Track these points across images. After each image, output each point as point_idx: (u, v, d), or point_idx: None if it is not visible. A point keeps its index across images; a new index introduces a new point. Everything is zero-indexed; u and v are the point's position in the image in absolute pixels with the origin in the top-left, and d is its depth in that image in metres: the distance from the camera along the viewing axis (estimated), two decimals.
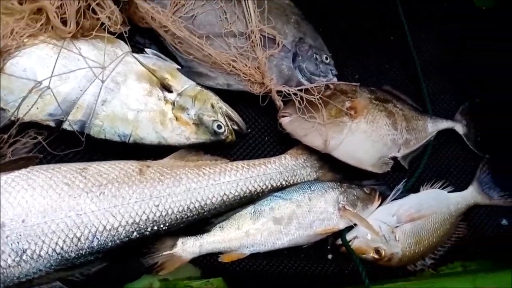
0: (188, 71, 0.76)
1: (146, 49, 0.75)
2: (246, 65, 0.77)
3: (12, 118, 0.61)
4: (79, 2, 0.64)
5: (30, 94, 0.61)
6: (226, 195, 0.69)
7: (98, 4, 0.65)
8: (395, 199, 0.79)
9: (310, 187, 0.75)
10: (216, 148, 0.77)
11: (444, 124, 0.89)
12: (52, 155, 0.66)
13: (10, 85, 0.61)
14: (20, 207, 0.55)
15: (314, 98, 0.76)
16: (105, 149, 0.69)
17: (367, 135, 0.77)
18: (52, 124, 0.63)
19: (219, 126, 0.73)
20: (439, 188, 0.85)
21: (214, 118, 0.73)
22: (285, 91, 0.77)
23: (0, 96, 0.61)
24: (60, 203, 0.56)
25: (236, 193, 0.70)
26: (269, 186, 0.72)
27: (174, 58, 0.77)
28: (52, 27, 0.65)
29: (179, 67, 0.75)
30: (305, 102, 0.76)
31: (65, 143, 0.67)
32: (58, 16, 0.64)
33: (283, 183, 0.74)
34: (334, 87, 0.81)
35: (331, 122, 0.76)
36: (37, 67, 0.63)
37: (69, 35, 0.65)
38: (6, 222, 0.53)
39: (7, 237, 0.53)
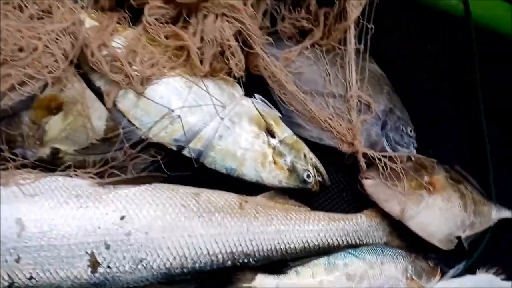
0: (288, 121, 0.84)
1: (255, 95, 0.84)
2: (341, 125, 0.85)
3: (143, 137, 0.70)
4: (216, 48, 0.73)
5: (163, 119, 0.70)
6: (308, 242, 0.75)
7: (231, 52, 0.74)
8: (453, 277, 0.85)
9: (382, 251, 0.80)
10: (299, 195, 0.84)
11: (507, 214, 0.95)
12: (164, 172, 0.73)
13: (148, 108, 0.70)
14: (145, 220, 0.62)
15: (397, 167, 0.83)
16: (210, 176, 0.75)
17: (442, 212, 0.83)
18: (174, 148, 0.71)
19: (308, 176, 0.80)
20: (493, 274, 0.90)
21: (305, 168, 0.79)
22: (371, 155, 0.84)
23: (137, 116, 0.69)
24: (177, 222, 0.64)
25: (316, 243, 0.76)
26: (345, 242, 0.78)
27: (276, 106, 0.85)
28: (189, 64, 0.74)
29: (281, 115, 0.84)
30: (388, 169, 0.83)
31: (178, 166, 0.74)
32: (197, 56, 0.73)
33: (357, 241, 0.80)
34: (415, 160, 0.88)
35: (410, 193, 0.83)
36: (172, 97, 0.71)
37: (202, 73, 0.74)
38: (132, 231, 0.61)
39: (130, 245, 0.60)
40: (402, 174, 0.83)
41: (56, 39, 0.61)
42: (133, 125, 0.70)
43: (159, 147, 0.73)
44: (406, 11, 0.93)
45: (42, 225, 0.56)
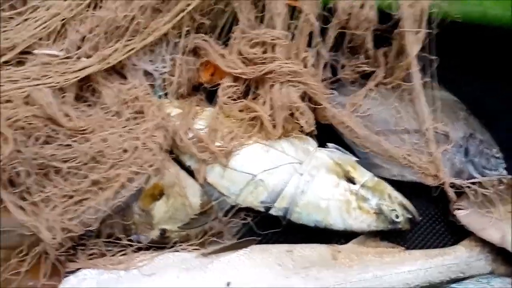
0: (365, 163, 0.86)
1: (328, 144, 0.88)
2: (421, 159, 0.85)
3: (233, 203, 0.77)
4: (286, 111, 0.80)
5: (248, 185, 0.77)
6: (408, 284, 0.75)
7: (300, 112, 0.80)
8: None
9: (488, 281, 0.77)
10: (391, 234, 0.85)
11: None
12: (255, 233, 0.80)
13: (233, 178, 0.77)
14: (248, 284, 0.67)
15: (489, 192, 0.80)
16: (299, 229, 0.80)
17: None
18: (262, 209, 0.77)
19: (396, 216, 0.80)
20: None
21: (392, 208, 0.80)
22: (459, 184, 0.83)
23: (226, 186, 0.77)
24: (277, 282, 0.68)
25: (417, 283, 0.75)
26: (447, 278, 0.77)
27: (351, 151, 0.88)
28: (263, 131, 0.81)
29: (357, 159, 0.86)
30: (480, 196, 0.81)
31: (267, 224, 0.80)
32: (270, 123, 0.79)
33: (460, 275, 0.78)
34: (508, 182, 0.84)
35: (508, 217, 0.79)
36: (252, 163, 0.78)
37: (276, 137, 0.80)
38: None
39: None
40: (496, 198, 0.81)
41: (151, 135, 0.71)
42: (223, 195, 0.78)
43: (248, 210, 0.80)
44: (468, 34, 0.92)
45: None
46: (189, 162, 0.79)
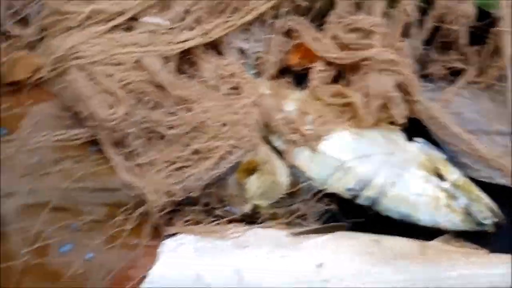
0: (453, 162, 0.85)
1: (416, 139, 0.86)
2: None
3: (319, 188, 0.76)
4: (380, 100, 0.79)
5: (336, 171, 0.76)
6: (493, 286, 0.73)
7: (394, 103, 0.79)
8: None
9: None
10: (473, 236, 0.82)
11: None
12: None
13: (322, 163, 0.76)
14: (338, 268, 0.67)
15: None
16: (381, 222, 0.78)
17: None
18: (348, 197, 0.76)
19: (484, 218, 0.78)
20: None
21: (480, 210, 0.78)
22: None
23: (313, 171, 0.76)
24: (367, 270, 0.67)
25: (502, 286, 0.73)
26: None
27: (438, 147, 0.86)
28: (354, 118, 0.80)
29: (446, 156, 0.84)
30: None
31: (350, 213, 0.78)
32: (363, 110, 0.79)
33: None
34: None
35: None
36: (342, 150, 0.77)
37: (368, 125, 0.79)
38: (329, 278, 0.66)
39: None
40: None
41: (248, 111, 0.72)
42: (310, 178, 0.78)
43: (332, 196, 0.79)
44: None
45: (256, 274, 0.64)
46: (277, 143, 0.79)
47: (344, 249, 0.69)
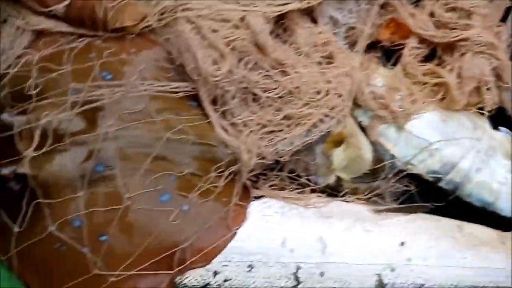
0: None
1: (500, 128, 0.83)
2: None
3: (402, 168, 0.75)
4: (474, 83, 0.76)
5: (421, 152, 0.75)
6: None
7: (487, 88, 0.76)
8: None
9: None
10: None
11: None
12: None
13: (407, 142, 0.74)
14: (422, 248, 0.66)
15: None
16: (457, 208, 0.77)
17: None
18: (430, 179, 0.74)
19: None
20: None
21: None
22: None
23: (398, 149, 0.74)
24: (450, 253, 0.66)
25: None
26: None
27: None
28: (444, 99, 0.78)
29: None
30: None
31: (429, 196, 0.77)
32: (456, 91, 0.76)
33: None
34: None
35: None
36: (430, 131, 0.75)
37: (459, 108, 0.77)
38: (412, 257, 0.65)
39: (411, 271, 0.64)
40: None
41: (341, 81, 0.70)
42: (394, 157, 0.76)
43: (413, 177, 0.78)
44: None
45: (339, 244, 0.64)
46: (361, 118, 0.76)
47: (427, 230, 0.68)
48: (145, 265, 0.55)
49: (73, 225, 0.53)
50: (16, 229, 0.52)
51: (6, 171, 0.52)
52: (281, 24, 0.76)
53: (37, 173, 0.52)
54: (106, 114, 0.56)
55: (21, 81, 0.58)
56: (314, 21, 0.78)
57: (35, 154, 0.52)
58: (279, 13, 0.71)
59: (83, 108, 0.56)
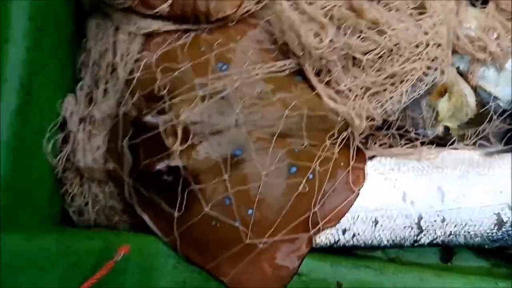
0: None
1: None
2: None
3: (505, 108, 0.74)
4: None
5: None
6: None
7: None
8: None
9: None
10: None
11: None
12: None
13: (508, 80, 0.73)
14: None
15: None
16: None
17: None
18: None
19: None
20: None
21: None
22: None
23: (499, 90, 0.74)
24: None
25: None
26: None
27: None
28: None
29: None
30: None
31: None
32: None
33: None
34: None
35: None
36: None
37: None
38: None
39: None
40: None
41: (438, 31, 0.70)
42: (496, 98, 0.76)
43: None
44: None
45: (457, 191, 0.67)
46: (458, 63, 0.77)
47: None
48: (286, 230, 0.62)
49: (224, 204, 0.61)
50: (176, 214, 0.61)
51: (160, 166, 0.59)
52: None
53: (187, 164, 0.59)
54: (232, 102, 0.61)
55: (148, 83, 0.64)
56: None
57: (182, 148, 0.59)
58: None
59: (212, 100, 0.61)
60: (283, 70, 0.66)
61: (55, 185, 0.68)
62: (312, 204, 0.63)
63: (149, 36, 0.68)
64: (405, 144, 0.71)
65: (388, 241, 0.67)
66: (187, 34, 0.68)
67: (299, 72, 0.68)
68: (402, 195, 0.67)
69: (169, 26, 0.67)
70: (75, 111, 0.68)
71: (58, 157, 0.66)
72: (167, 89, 0.61)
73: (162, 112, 0.60)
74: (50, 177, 0.67)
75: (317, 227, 0.63)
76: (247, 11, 0.66)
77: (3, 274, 0.46)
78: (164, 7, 0.66)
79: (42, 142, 0.64)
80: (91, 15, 0.70)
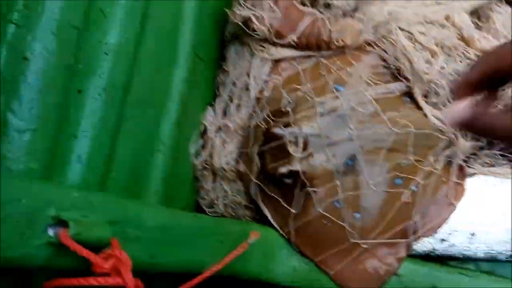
0: None
1: None
2: None
3: None
4: None
5: None
6: None
7: None
8: None
9: None
10: None
11: None
12: None
13: None
14: None
15: None
16: None
17: None
18: None
19: None
20: None
21: None
22: None
23: None
24: None
25: None
26: None
27: None
28: None
29: None
30: None
31: None
32: None
33: None
34: None
35: None
36: None
37: None
38: None
39: None
40: None
41: None
42: None
43: None
44: None
45: None
46: None
47: None
48: (388, 235, 0.70)
49: (335, 206, 0.71)
50: (293, 211, 0.72)
51: (283, 169, 0.71)
52: (475, 11, 0.81)
53: (305, 169, 0.71)
54: (347, 119, 0.71)
55: (276, 101, 0.77)
56: (509, 2, 0.82)
57: (302, 156, 0.70)
58: (477, 6, 0.76)
59: (329, 116, 0.71)
60: (393, 92, 0.75)
61: (194, 181, 0.84)
62: (413, 213, 0.70)
63: (277, 61, 0.81)
64: (506, 164, 0.75)
65: (483, 254, 0.72)
66: (309, 59, 0.79)
67: (407, 94, 0.76)
68: (500, 210, 0.71)
69: (295, 53, 0.79)
70: (213, 121, 0.83)
71: (199, 158, 0.82)
72: (291, 106, 0.73)
73: (287, 125, 0.72)
74: (191, 174, 0.83)
75: (416, 234, 0.70)
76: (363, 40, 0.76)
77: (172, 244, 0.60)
78: (293, 37, 0.78)
79: (189, 146, 0.80)
80: (230, 41, 0.85)
